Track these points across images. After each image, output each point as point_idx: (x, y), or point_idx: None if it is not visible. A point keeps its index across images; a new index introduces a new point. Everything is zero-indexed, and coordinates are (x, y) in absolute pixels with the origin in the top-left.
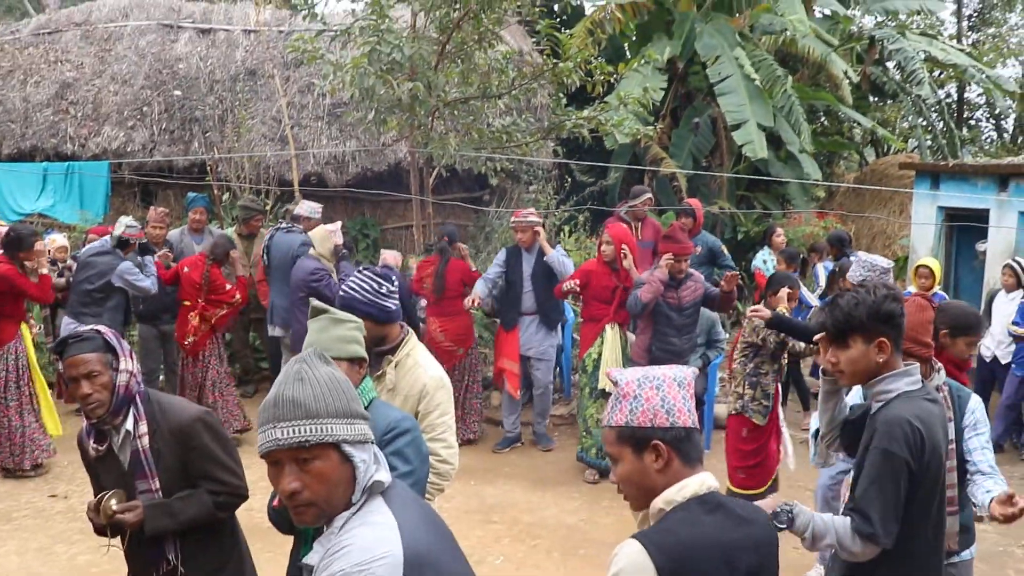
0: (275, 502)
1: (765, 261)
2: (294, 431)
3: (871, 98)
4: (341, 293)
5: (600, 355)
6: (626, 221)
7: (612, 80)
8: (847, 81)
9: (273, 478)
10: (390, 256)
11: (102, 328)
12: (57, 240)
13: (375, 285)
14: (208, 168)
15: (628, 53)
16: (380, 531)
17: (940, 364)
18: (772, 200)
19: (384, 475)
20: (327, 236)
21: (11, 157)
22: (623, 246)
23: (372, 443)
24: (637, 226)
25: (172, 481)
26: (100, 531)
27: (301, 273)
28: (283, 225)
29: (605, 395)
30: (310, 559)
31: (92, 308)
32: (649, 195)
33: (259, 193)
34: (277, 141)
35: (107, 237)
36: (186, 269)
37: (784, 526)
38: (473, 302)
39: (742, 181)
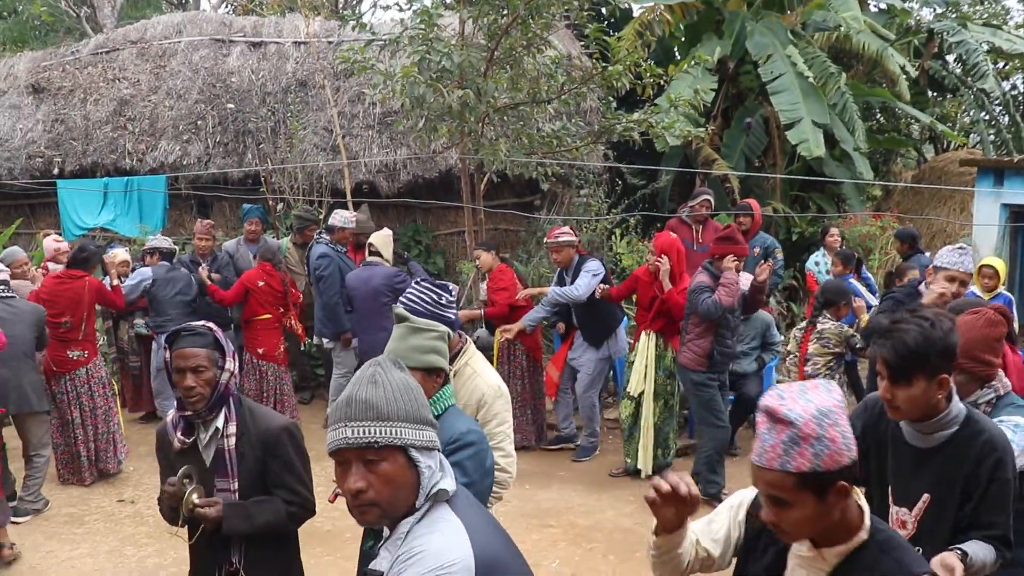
0: (331, 497)
1: (817, 263)
2: (364, 431)
3: (930, 93)
4: (400, 304)
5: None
6: (687, 224)
7: (662, 82)
8: (904, 76)
9: (339, 476)
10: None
11: (213, 326)
12: (119, 254)
13: (435, 296)
14: (262, 179)
15: (678, 54)
16: (450, 537)
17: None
18: (827, 200)
19: (449, 484)
20: (388, 240)
21: (73, 174)
22: (661, 257)
23: (439, 451)
24: (698, 229)
25: (250, 485)
26: (172, 520)
27: (380, 279)
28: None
29: (630, 397)
30: (378, 565)
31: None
32: (707, 197)
33: (312, 203)
34: (329, 151)
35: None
36: (261, 283)
37: None
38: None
39: (796, 181)
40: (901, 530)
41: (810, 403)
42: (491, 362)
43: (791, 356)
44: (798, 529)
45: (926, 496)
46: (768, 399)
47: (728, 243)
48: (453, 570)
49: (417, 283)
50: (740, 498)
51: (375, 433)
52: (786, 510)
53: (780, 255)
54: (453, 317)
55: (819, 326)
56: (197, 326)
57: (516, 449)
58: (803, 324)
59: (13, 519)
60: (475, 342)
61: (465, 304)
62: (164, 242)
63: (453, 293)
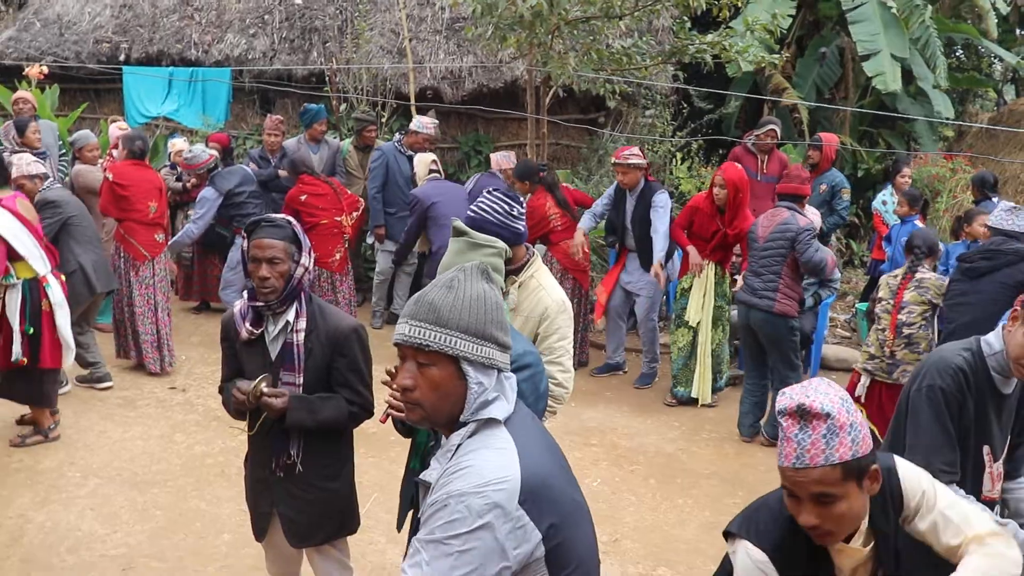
0: (383, 417)
1: (885, 202)
2: (419, 332)
3: (1019, 31)
4: (470, 214)
5: (691, 287)
6: (752, 153)
7: (739, 4)
8: (993, 12)
9: (399, 368)
10: (503, 160)
11: (292, 219)
12: (177, 144)
13: (506, 206)
14: (326, 78)
15: None
16: (500, 455)
17: None
18: (897, 138)
19: (498, 410)
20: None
21: (139, 61)
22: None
23: (501, 372)
24: (763, 159)
25: (314, 382)
26: (238, 415)
27: (460, 188)
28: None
29: (687, 326)
30: (428, 476)
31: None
32: (773, 126)
33: (375, 105)
34: (395, 54)
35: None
36: (303, 197)
37: None
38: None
39: (866, 116)
40: (997, 483)
41: (830, 394)
42: None
43: (883, 302)
44: (841, 524)
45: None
46: (791, 400)
47: (787, 181)
48: (497, 488)
49: (489, 192)
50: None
51: (428, 336)
52: (831, 507)
53: (847, 196)
54: (522, 229)
55: (919, 275)
56: (277, 218)
57: None
58: (897, 272)
59: (98, 385)
60: None
61: None
62: (202, 155)
63: (523, 204)
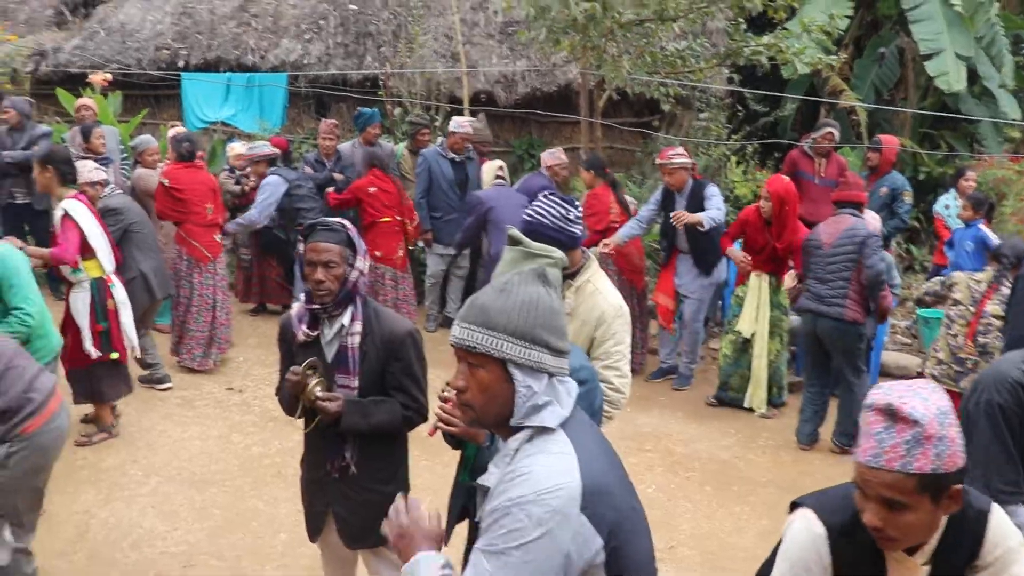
0: (431, 431)
1: (947, 206)
2: (467, 334)
3: None
4: (526, 218)
5: (744, 296)
6: (809, 156)
7: (795, 5)
8: None
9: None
10: (550, 157)
11: (348, 223)
12: (236, 148)
13: (563, 210)
14: (380, 83)
15: None
16: (559, 461)
17: None
18: (960, 139)
19: (551, 417)
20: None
21: (197, 68)
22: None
23: (554, 377)
24: (820, 162)
25: (369, 385)
26: (290, 410)
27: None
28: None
29: (735, 333)
30: (487, 480)
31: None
32: (830, 129)
33: (429, 109)
34: (448, 58)
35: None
36: (372, 189)
37: None
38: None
39: (927, 118)
40: None
41: (928, 401)
42: None
43: (959, 307)
44: (907, 534)
45: None
46: (884, 397)
47: (842, 188)
48: (557, 495)
49: (545, 196)
50: (812, 553)
51: (475, 339)
52: (899, 514)
53: (908, 198)
54: (579, 232)
55: (1004, 288)
56: (332, 222)
57: None
58: (980, 277)
59: (158, 386)
60: None
61: None
62: (264, 147)
63: (579, 208)
